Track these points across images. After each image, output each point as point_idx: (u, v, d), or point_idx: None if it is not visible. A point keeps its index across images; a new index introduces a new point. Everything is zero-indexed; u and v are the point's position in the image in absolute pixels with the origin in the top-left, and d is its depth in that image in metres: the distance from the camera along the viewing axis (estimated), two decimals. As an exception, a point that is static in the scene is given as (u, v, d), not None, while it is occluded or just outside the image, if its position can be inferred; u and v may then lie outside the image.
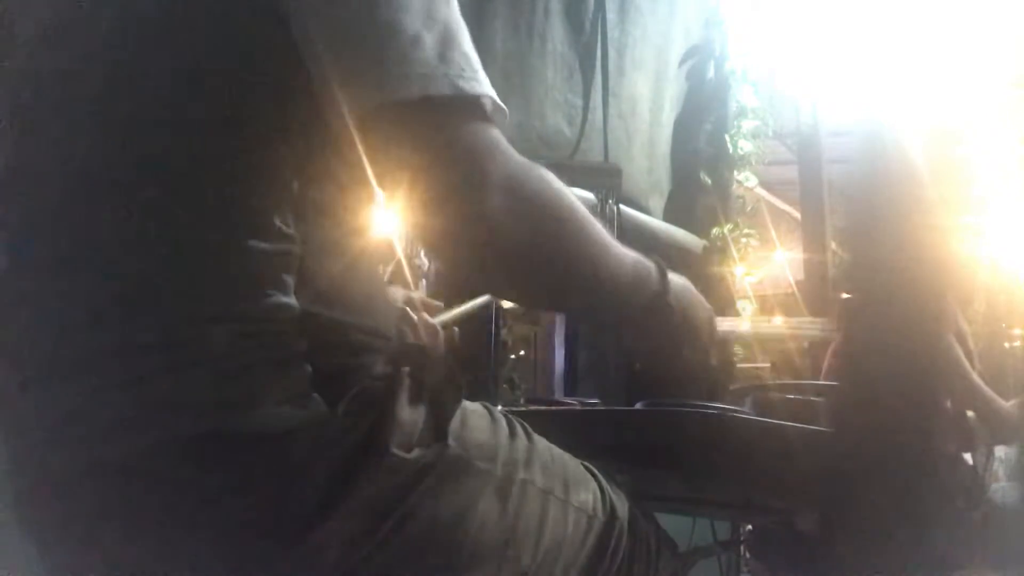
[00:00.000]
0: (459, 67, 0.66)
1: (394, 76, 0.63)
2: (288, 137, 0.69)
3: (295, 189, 0.70)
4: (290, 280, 0.69)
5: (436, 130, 0.65)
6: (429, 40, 0.65)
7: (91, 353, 0.64)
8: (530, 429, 0.87)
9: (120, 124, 0.67)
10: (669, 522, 1.09)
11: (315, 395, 0.67)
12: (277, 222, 0.68)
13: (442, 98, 0.64)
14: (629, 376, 2.27)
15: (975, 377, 1.42)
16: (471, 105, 0.66)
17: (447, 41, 0.66)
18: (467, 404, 0.80)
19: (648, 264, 0.83)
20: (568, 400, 1.55)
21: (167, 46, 0.67)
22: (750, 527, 1.53)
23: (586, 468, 0.93)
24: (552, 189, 0.71)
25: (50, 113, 0.70)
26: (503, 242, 0.68)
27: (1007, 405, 1.48)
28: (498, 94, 0.71)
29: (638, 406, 1.20)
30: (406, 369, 0.74)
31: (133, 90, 0.68)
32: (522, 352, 2.50)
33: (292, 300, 0.69)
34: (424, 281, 2.18)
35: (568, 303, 0.79)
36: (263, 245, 0.67)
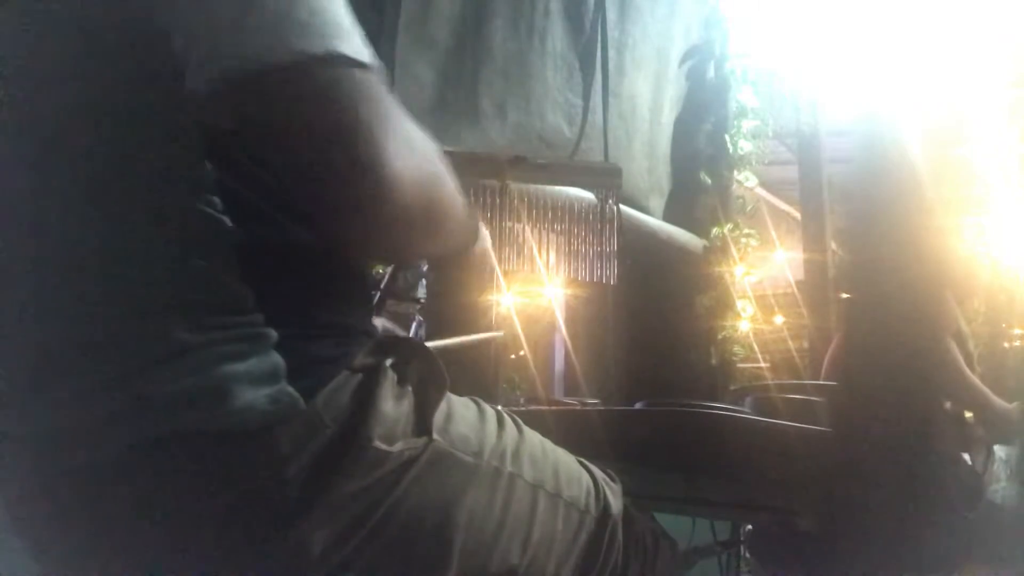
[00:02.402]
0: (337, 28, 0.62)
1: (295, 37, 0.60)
2: (190, 142, 0.67)
3: (219, 187, 0.68)
4: (239, 270, 0.67)
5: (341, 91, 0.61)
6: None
7: (66, 358, 0.64)
8: (521, 423, 0.86)
9: (76, 128, 0.67)
10: (669, 522, 1.09)
11: (289, 388, 0.65)
12: (214, 215, 0.66)
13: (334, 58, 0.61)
14: (629, 376, 2.27)
15: (973, 378, 1.42)
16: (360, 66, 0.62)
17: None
18: (453, 397, 0.79)
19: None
20: (568, 400, 1.55)
21: (129, 56, 0.67)
22: (750, 527, 1.53)
23: (581, 464, 0.92)
24: (432, 148, 0.69)
25: (16, 115, 0.70)
26: (410, 198, 0.64)
27: (1006, 406, 1.48)
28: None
29: (638, 406, 1.20)
30: (389, 361, 0.73)
31: (93, 96, 0.67)
32: (522, 352, 2.51)
33: (246, 289, 0.67)
34: (424, 281, 2.18)
35: (443, 249, 0.79)
36: (205, 240, 0.66)
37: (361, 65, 0.62)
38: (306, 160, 0.62)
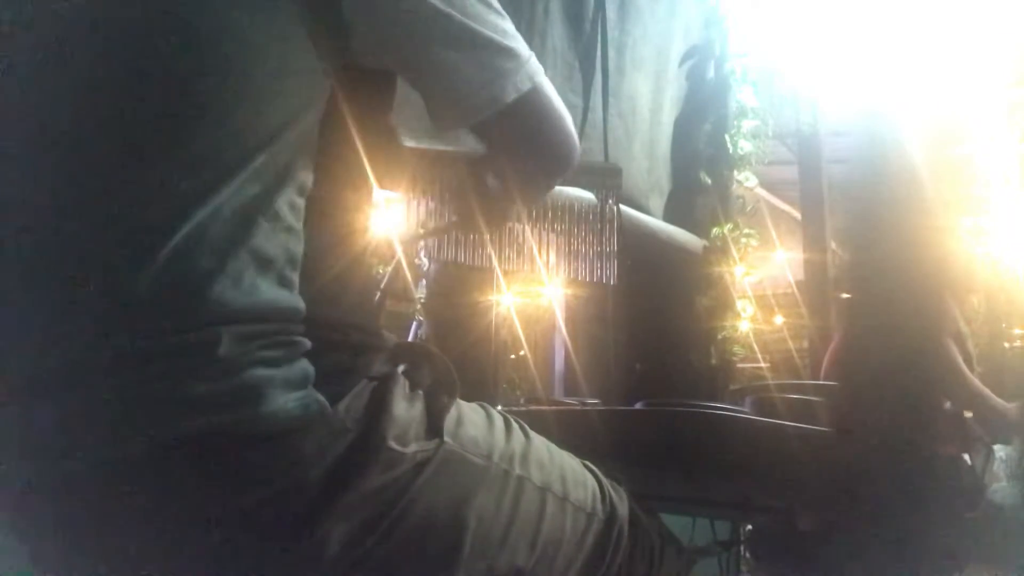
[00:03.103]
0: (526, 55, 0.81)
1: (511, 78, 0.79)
2: (301, 137, 0.70)
3: (303, 188, 0.71)
4: (295, 277, 0.70)
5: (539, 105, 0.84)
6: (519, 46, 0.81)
7: (94, 359, 0.64)
8: (527, 427, 0.88)
9: (117, 120, 0.67)
10: (669, 522, 1.09)
11: (317, 394, 0.68)
12: (288, 218, 0.69)
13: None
14: (629, 376, 2.27)
15: (972, 378, 1.42)
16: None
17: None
18: (463, 403, 0.82)
19: None
20: (568, 400, 1.55)
21: (200, 48, 0.67)
22: (750, 527, 1.53)
23: (586, 467, 0.93)
24: None
25: (36, 106, 0.69)
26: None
27: (1005, 405, 1.48)
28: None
29: (638, 406, 1.20)
30: (402, 367, 0.76)
31: (144, 84, 0.67)
32: (522, 352, 2.51)
33: (297, 298, 0.69)
34: (424, 281, 2.17)
35: None
36: (271, 243, 0.68)
37: (542, 75, 0.82)
38: (534, 148, 0.86)
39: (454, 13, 0.74)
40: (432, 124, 0.81)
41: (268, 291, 0.67)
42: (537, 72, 0.81)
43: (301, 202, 0.71)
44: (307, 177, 0.72)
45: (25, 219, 0.68)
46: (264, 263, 0.67)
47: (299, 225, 0.71)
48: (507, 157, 0.91)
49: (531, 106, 0.81)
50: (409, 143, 1.11)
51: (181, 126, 0.66)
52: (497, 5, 0.79)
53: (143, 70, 0.67)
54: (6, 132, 0.69)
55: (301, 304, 0.70)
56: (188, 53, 0.66)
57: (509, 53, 0.78)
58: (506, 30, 0.79)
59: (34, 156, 0.68)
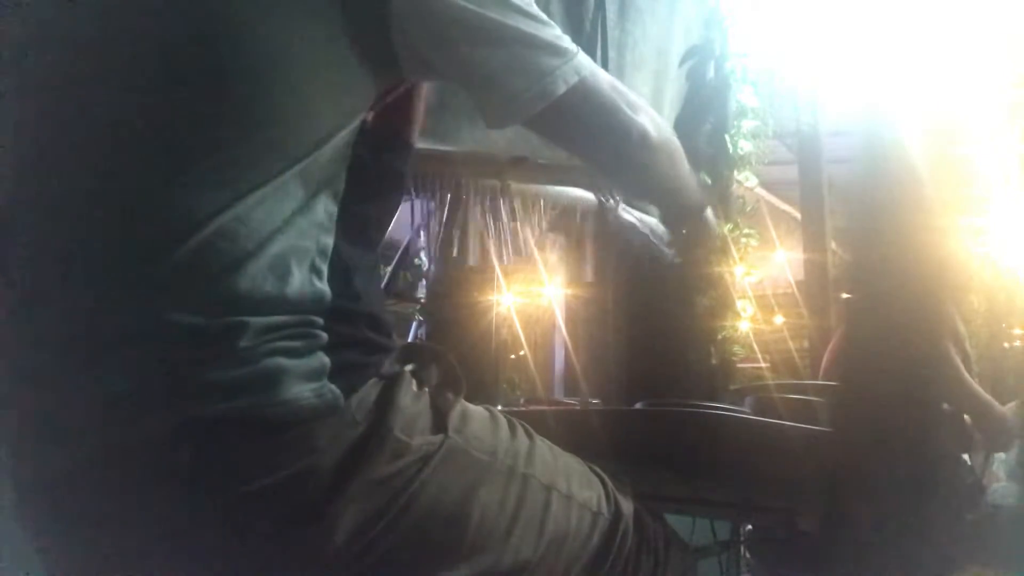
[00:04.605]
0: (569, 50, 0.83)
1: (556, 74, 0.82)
2: (342, 145, 0.74)
3: (338, 192, 0.75)
4: (325, 268, 0.73)
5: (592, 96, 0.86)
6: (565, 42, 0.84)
7: (115, 341, 0.66)
8: (531, 429, 0.89)
9: (161, 104, 0.69)
10: (669, 522, 1.09)
11: (332, 385, 0.70)
12: (321, 216, 0.72)
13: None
14: (629, 376, 2.27)
15: (970, 382, 1.42)
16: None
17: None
18: (468, 405, 0.83)
19: None
20: (568, 400, 1.55)
21: (257, 43, 0.69)
22: (750, 527, 1.53)
23: (591, 469, 0.94)
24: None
25: (92, 85, 0.71)
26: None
27: (1002, 409, 1.48)
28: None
29: (638, 406, 1.20)
30: (410, 366, 0.79)
31: (199, 76, 0.69)
32: (522, 352, 2.51)
33: (325, 287, 0.72)
34: (424, 281, 2.18)
35: (682, 186, 1.05)
36: (306, 236, 0.71)
37: (590, 68, 0.84)
38: (592, 135, 0.89)
39: (498, 18, 0.78)
40: (486, 124, 0.84)
41: (299, 278, 0.70)
42: (584, 65, 0.84)
43: (335, 208, 0.74)
44: (343, 179, 0.75)
45: (64, 207, 0.69)
46: (298, 252, 0.70)
47: (331, 223, 0.74)
48: (570, 149, 0.96)
49: (581, 97, 0.84)
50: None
51: (231, 130, 0.68)
52: (538, 12, 0.82)
53: (200, 77, 0.69)
54: (56, 123, 0.71)
55: (328, 292, 0.72)
56: (247, 67, 0.69)
57: (555, 50, 0.82)
58: (550, 31, 0.83)
59: (83, 145, 0.70)
